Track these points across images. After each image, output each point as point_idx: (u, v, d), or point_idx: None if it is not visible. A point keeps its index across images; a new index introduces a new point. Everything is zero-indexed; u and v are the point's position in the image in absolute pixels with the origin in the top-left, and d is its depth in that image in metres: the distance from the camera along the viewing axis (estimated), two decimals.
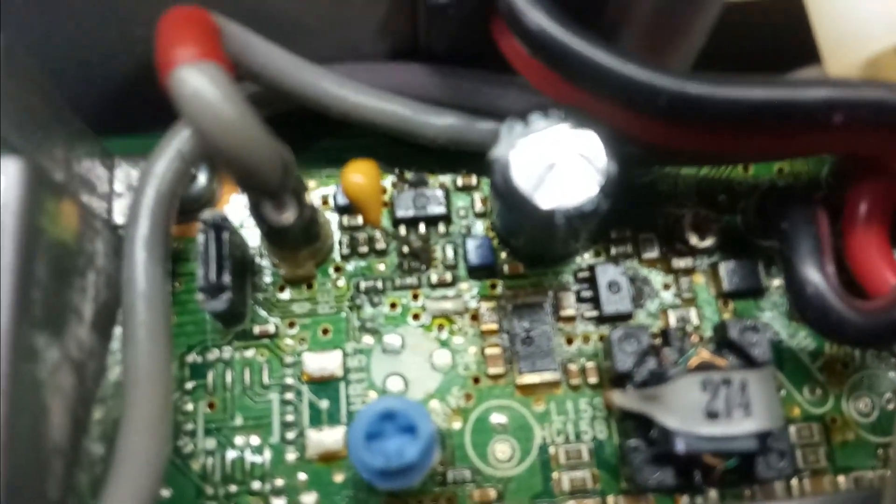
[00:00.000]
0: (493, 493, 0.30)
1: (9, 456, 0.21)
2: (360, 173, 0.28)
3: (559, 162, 0.26)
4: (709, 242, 0.33)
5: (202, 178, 0.33)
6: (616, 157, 0.27)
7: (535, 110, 0.27)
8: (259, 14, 0.30)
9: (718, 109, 0.25)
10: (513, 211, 0.27)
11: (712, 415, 0.27)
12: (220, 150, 0.22)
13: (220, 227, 0.29)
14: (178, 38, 0.23)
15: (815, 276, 0.28)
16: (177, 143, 0.29)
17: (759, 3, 0.31)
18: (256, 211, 0.26)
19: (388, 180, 0.34)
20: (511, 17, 0.27)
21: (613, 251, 0.33)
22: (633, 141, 0.28)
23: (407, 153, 0.34)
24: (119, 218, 0.32)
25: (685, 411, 0.27)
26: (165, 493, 0.30)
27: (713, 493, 0.30)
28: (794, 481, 0.30)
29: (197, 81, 0.22)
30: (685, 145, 0.28)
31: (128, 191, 0.33)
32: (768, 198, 0.31)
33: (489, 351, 0.32)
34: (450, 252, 0.33)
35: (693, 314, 0.32)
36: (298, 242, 0.30)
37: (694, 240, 0.33)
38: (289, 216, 0.26)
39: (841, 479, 0.30)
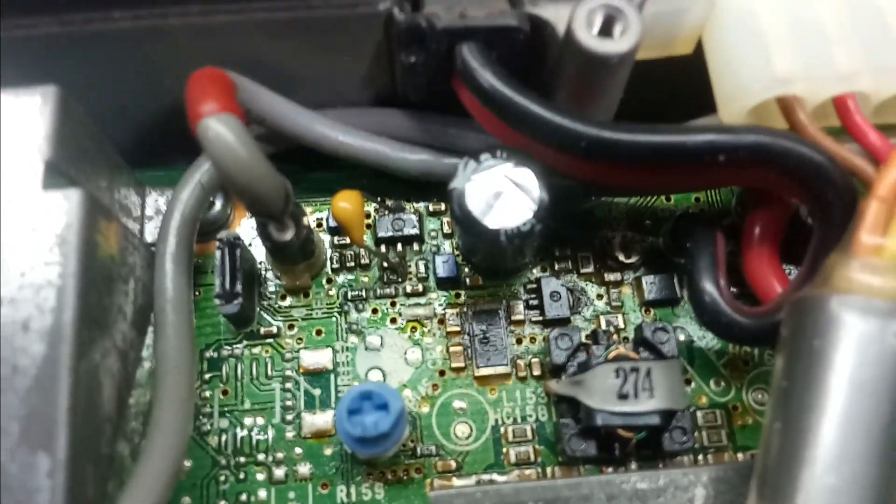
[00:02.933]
0: (453, 464, 0.36)
1: (73, 417, 0.27)
2: (346, 201, 0.35)
3: (503, 192, 0.33)
4: (634, 259, 0.39)
5: (218, 204, 0.39)
6: (548, 189, 0.33)
7: (487, 149, 0.34)
8: (265, 68, 0.36)
9: (625, 151, 0.32)
10: (468, 231, 0.33)
11: (623, 396, 0.33)
12: (235, 182, 0.29)
13: (234, 244, 0.36)
14: (204, 94, 0.30)
15: (710, 287, 0.35)
16: (198, 175, 0.36)
17: (672, 59, 0.37)
18: (262, 230, 0.33)
19: (372, 206, 0.41)
20: (466, 75, 0.34)
21: (556, 266, 0.40)
22: (563, 176, 0.34)
23: (387, 184, 0.41)
24: (150, 237, 0.39)
25: (603, 393, 0.33)
26: (187, 463, 0.36)
27: (633, 465, 0.36)
28: (700, 456, 0.36)
29: (219, 130, 0.29)
30: (604, 179, 0.34)
31: (156, 214, 0.39)
32: (679, 222, 0.38)
33: (453, 349, 0.38)
34: (422, 267, 0.40)
35: (620, 319, 0.39)
36: (296, 258, 0.36)
37: (622, 257, 0.39)
38: (288, 235, 0.32)
39: (739, 455, 0.36)
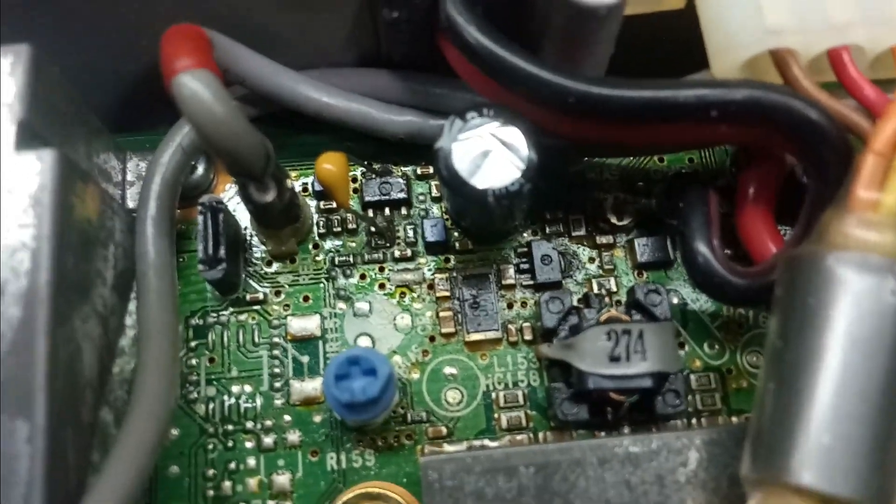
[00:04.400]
0: (444, 430, 0.36)
1: (51, 381, 0.27)
2: (330, 163, 0.34)
3: (491, 151, 0.32)
4: (626, 221, 0.39)
5: (200, 169, 0.38)
6: (537, 148, 0.32)
7: (474, 108, 0.33)
8: (244, 27, 0.35)
9: (615, 106, 0.31)
10: (455, 192, 0.33)
11: (615, 359, 0.33)
12: (213, 140, 0.28)
13: (216, 209, 0.35)
14: (178, 50, 0.29)
15: (703, 247, 0.34)
16: (178, 137, 0.35)
17: (663, 13, 0.36)
18: (244, 191, 0.32)
19: (359, 170, 0.40)
20: (452, 32, 0.33)
21: (548, 230, 0.39)
22: (552, 134, 0.33)
23: (374, 147, 0.40)
24: (131, 203, 0.38)
25: (594, 356, 0.33)
26: (174, 432, 0.35)
27: (626, 429, 0.35)
28: (694, 420, 0.36)
29: (194, 86, 0.28)
30: (594, 137, 0.34)
31: (138, 180, 0.39)
32: (672, 183, 0.37)
33: (443, 314, 0.38)
34: (410, 231, 0.39)
35: (613, 282, 0.38)
36: (281, 222, 0.36)
37: (614, 219, 0.39)
38: (270, 196, 0.31)
39: (734, 419, 0.36)
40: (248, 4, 0.34)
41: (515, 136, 0.32)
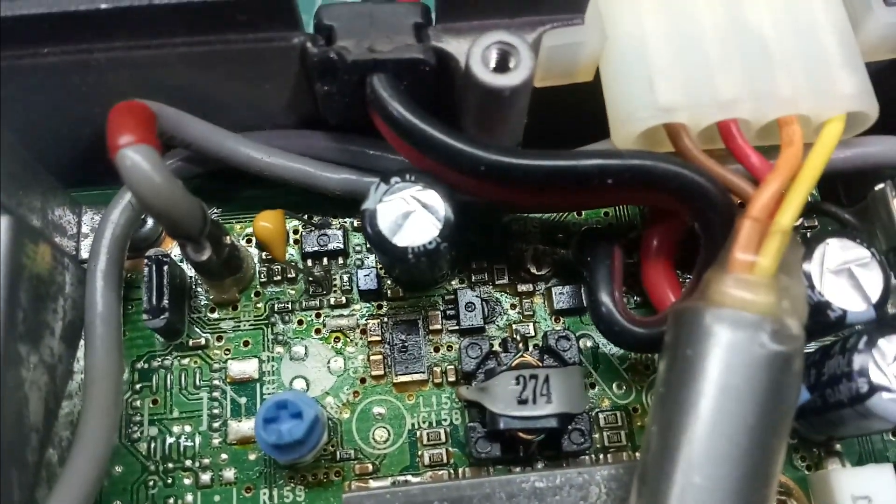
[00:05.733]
0: (370, 467, 0.39)
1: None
2: (267, 221, 0.37)
3: (412, 213, 0.35)
4: (545, 271, 0.42)
5: (150, 222, 0.41)
6: (454, 210, 0.35)
7: (397, 173, 0.36)
8: (191, 96, 0.38)
9: (521, 174, 0.34)
10: (379, 249, 0.36)
11: (523, 401, 0.36)
12: (152, 208, 0.31)
13: (161, 262, 0.38)
14: (121, 127, 0.31)
15: (606, 298, 0.38)
16: (127, 196, 0.38)
17: (575, 86, 0.40)
18: (183, 251, 0.35)
19: (300, 223, 0.43)
20: (377, 105, 0.36)
21: (473, 278, 0.42)
22: (468, 195, 0.37)
23: (315, 199, 0.43)
24: (85, 254, 0.41)
25: (504, 399, 0.36)
26: (118, 468, 0.38)
27: (540, 465, 0.39)
28: (602, 455, 0.39)
29: (134, 160, 0.31)
30: (508, 200, 0.37)
31: (92, 232, 0.41)
32: (582, 237, 0.41)
33: (373, 357, 0.41)
34: (346, 279, 0.42)
35: (531, 327, 0.41)
36: (222, 273, 0.39)
37: (534, 269, 0.42)
38: (205, 255, 0.34)
39: (637, 454, 0.39)
40: (195, 77, 0.37)
41: (434, 198, 0.36)
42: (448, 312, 0.42)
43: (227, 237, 0.37)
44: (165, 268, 0.38)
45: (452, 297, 0.42)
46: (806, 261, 0.37)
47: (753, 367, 0.30)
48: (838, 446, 0.41)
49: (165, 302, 0.38)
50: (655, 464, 0.31)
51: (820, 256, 0.37)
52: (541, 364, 0.37)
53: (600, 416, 0.40)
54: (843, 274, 0.37)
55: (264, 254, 0.42)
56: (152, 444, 0.39)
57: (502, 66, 0.34)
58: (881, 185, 0.41)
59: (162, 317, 0.37)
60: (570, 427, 0.37)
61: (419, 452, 0.39)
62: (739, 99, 0.36)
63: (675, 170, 0.34)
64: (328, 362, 0.41)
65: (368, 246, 0.43)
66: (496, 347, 0.40)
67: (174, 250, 0.41)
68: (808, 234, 0.44)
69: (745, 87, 0.36)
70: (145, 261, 0.38)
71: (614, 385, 0.41)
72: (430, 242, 0.35)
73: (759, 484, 0.30)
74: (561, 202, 0.38)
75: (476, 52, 0.33)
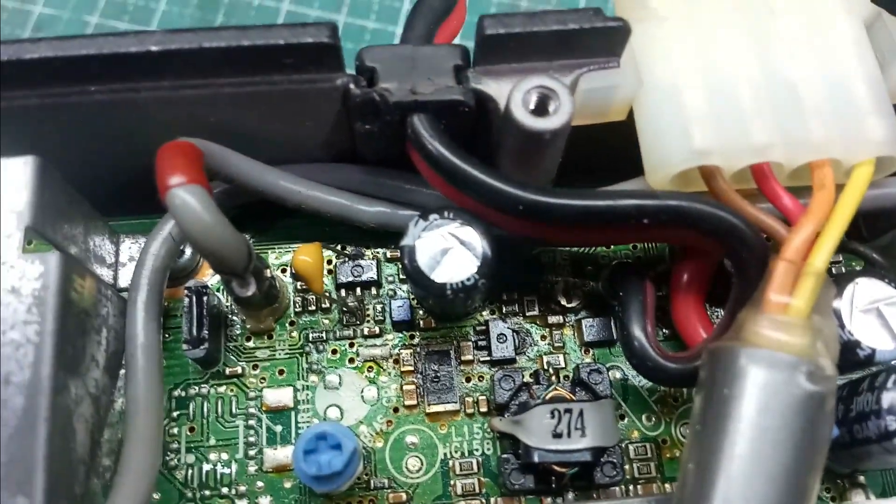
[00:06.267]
0: (404, 496, 0.39)
1: (49, 463, 0.30)
2: (306, 254, 0.38)
3: (450, 249, 0.36)
4: (575, 303, 0.43)
5: (188, 252, 0.42)
6: (491, 246, 0.36)
7: (436, 210, 0.37)
8: (232, 133, 0.39)
9: (559, 213, 0.35)
10: (417, 284, 0.36)
11: (557, 435, 0.36)
12: (201, 246, 0.32)
13: (201, 292, 0.39)
14: (172, 167, 0.32)
15: (638, 333, 0.38)
16: (167, 227, 0.39)
17: (609, 125, 0.40)
18: (227, 286, 0.36)
19: (333, 253, 0.44)
20: (418, 144, 0.37)
21: (504, 309, 0.43)
22: (506, 232, 0.37)
23: (349, 230, 0.43)
24: (123, 283, 0.42)
25: (539, 432, 0.37)
26: (155, 496, 0.39)
27: (570, 496, 0.39)
28: (632, 487, 0.40)
29: (185, 199, 0.31)
30: (543, 236, 0.38)
31: (130, 261, 0.42)
32: (614, 271, 0.41)
33: (406, 387, 0.41)
34: (379, 309, 0.43)
35: (562, 359, 0.42)
36: (260, 305, 0.39)
37: (564, 301, 0.43)
38: (250, 291, 0.35)
39: (667, 486, 0.40)
40: (239, 115, 0.37)
41: (472, 235, 0.36)
42: (479, 343, 0.42)
43: (268, 270, 0.38)
44: (205, 298, 0.39)
45: (484, 328, 0.42)
46: (836, 300, 0.38)
47: (790, 408, 0.31)
48: (862, 479, 0.41)
49: (205, 332, 0.38)
50: (691, 500, 0.32)
51: (850, 296, 0.38)
52: (573, 397, 0.38)
53: (630, 447, 0.40)
54: (872, 313, 0.37)
55: (299, 283, 0.43)
56: (189, 472, 0.39)
57: (541, 110, 0.35)
58: None
59: (202, 347, 0.38)
60: (602, 460, 0.38)
61: (451, 482, 0.40)
62: (772, 143, 0.37)
63: (710, 210, 0.35)
64: (362, 391, 0.41)
65: (402, 276, 0.43)
66: (527, 379, 0.40)
67: (211, 279, 0.42)
68: (834, 272, 0.44)
69: (777, 132, 0.37)
70: (185, 291, 0.39)
71: (643, 417, 0.41)
72: (468, 279, 0.36)
73: None
74: (596, 239, 0.39)
75: (517, 96, 0.34)
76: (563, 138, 0.36)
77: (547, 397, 0.38)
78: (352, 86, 0.36)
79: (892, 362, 0.37)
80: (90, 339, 0.35)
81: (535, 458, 0.37)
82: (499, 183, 0.35)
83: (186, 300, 0.39)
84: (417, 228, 0.37)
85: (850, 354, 0.37)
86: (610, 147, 0.41)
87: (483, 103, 0.37)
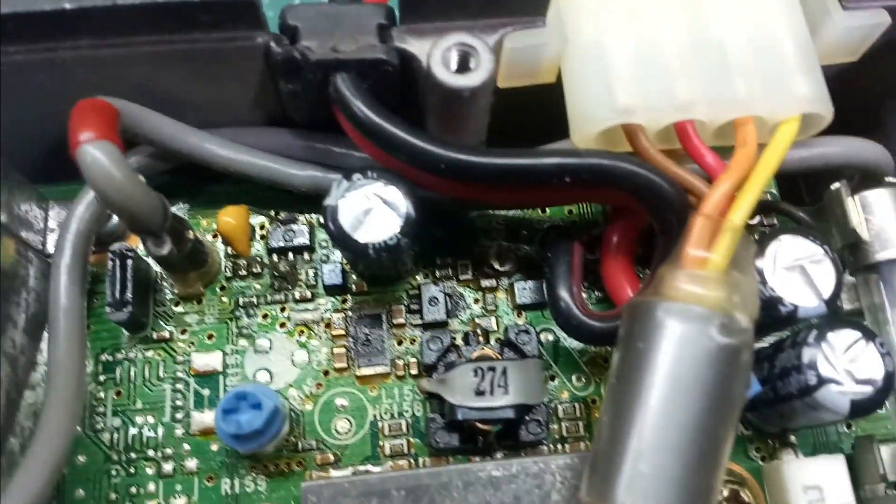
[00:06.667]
0: (332, 458, 0.39)
1: None
2: (230, 216, 0.38)
3: (373, 209, 0.36)
4: (508, 267, 0.43)
5: (115, 218, 0.42)
6: (415, 206, 0.36)
7: (359, 170, 0.37)
8: (156, 94, 0.38)
9: (480, 172, 0.35)
10: (340, 244, 0.36)
11: (480, 392, 0.37)
12: (111, 203, 0.32)
13: (125, 256, 0.39)
14: (83, 123, 0.32)
15: (564, 293, 0.38)
16: (93, 192, 0.38)
17: (538, 86, 0.40)
18: (144, 244, 0.35)
19: (266, 219, 0.44)
20: (340, 103, 0.37)
21: (437, 273, 0.43)
22: (430, 192, 0.37)
23: (283, 196, 0.43)
24: (52, 248, 0.41)
25: (463, 390, 0.37)
26: (81, 458, 0.38)
27: (499, 455, 0.39)
28: (559, 446, 0.40)
29: (93, 156, 0.31)
30: (470, 197, 0.38)
31: (59, 227, 0.42)
32: (545, 234, 0.41)
33: (337, 351, 0.41)
34: (311, 274, 0.43)
35: (494, 322, 0.42)
36: (186, 267, 0.39)
37: (497, 265, 0.43)
38: (165, 249, 0.35)
39: None
40: (160, 75, 0.37)
41: (396, 195, 0.36)
42: (412, 307, 0.42)
43: (191, 232, 0.37)
44: (129, 262, 0.38)
45: (416, 291, 0.42)
46: (759, 257, 0.38)
47: (702, 359, 0.31)
48: (793, 438, 0.42)
49: (129, 295, 0.38)
50: (605, 452, 0.32)
51: (773, 253, 0.38)
52: (500, 357, 0.38)
53: (559, 407, 0.41)
54: (796, 270, 0.38)
55: (230, 249, 0.43)
56: (115, 435, 0.39)
57: (463, 68, 0.35)
58: (836, 185, 0.42)
59: (125, 310, 0.38)
60: (527, 418, 0.38)
61: (380, 443, 0.40)
62: (696, 101, 0.37)
63: (631, 168, 0.35)
64: (292, 355, 0.41)
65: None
66: (458, 341, 0.40)
67: (140, 245, 0.42)
68: (767, 233, 0.45)
69: (701, 90, 0.37)
70: (109, 255, 0.39)
71: (574, 378, 0.41)
72: (390, 238, 0.36)
73: (706, 472, 0.31)
74: (522, 199, 0.39)
75: (437, 54, 0.34)
76: (487, 97, 0.36)
77: (473, 357, 0.38)
78: (272, 44, 0.36)
79: (815, 319, 0.38)
80: (7, 300, 0.35)
81: (459, 416, 0.37)
82: (419, 141, 0.35)
83: (110, 263, 0.38)
84: (341, 188, 0.37)
85: (772, 311, 0.37)
86: (542, 111, 0.41)
87: (407, 62, 0.37)
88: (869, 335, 0.36)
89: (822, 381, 0.35)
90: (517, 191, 0.37)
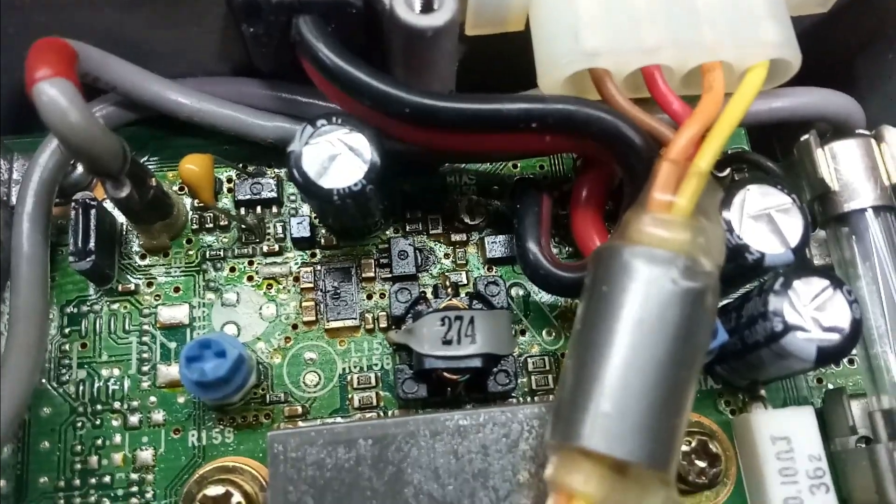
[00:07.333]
0: (300, 410, 0.39)
1: None
2: (193, 163, 0.37)
3: (338, 155, 0.36)
4: (478, 221, 0.42)
5: (80, 168, 0.41)
6: (381, 153, 0.36)
7: (324, 116, 0.36)
8: (119, 41, 0.38)
9: (444, 117, 0.34)
10: (304, 191, 0.36)
11: (447, 342, 0.36)
12: (68, 143, 0.31)
13: (88, 205, 0.38)
14: (39, 61, 0.32)
15: (532, 245, 0.38)
16: (56, 140, 0.38)
17: (508, 35, 0.40)
18: (103, 187, 0.35)
19: (234, 172, 0.43)
20: (302, 46, 0.36)
21: (407, 228, 0.43)
22: (397, 141, 0.37)
23: (251, 149, 0.43)
24: (15, 200, 0.41)
25: (430, 340, 0.36)
26: (46, 409, 0.38)
27: (468, 407, 0.39)
28: (529, 398, 0.40)
29: (50, 94, 0.31)
30: (436, 144, 0.37)
31: (24, 179, 0.41)
32: (515, 187, 0.41)
33: (305, 304, 0.41)
34: (280, 228, 0.42)
35: (464, 276, 0.42)
36: (150, 217, 0.39)
37: (467, 219, 0.42)
38: (124, 192, 0.34)
39: None
40: (121, 19, 0.37)
41: (361, 142, 0.36)
42: (381, 261, 0.42)
43: (153, 179, 0.37)
44: (92, 211, 0.38)
45: (386, 245, 0.42)
46: (726, 206, 0.38)
47: (665, 302, 0.31)
48: (762, 391, 0.42)
49: (92, 245, 0.37)
50: (570, 396, 0.32)
51: (740, 202, 0.38)
52: (468, 307, 0.38)
53: (529, 361, 0.40)
54: (763, 219, 0.37)
55: (196, 201, 0.42)
56: (80, 387, 0.39)
57: (427, 8, 0.34)
58: (806, 136, 0.42)
59: (88, 259, 0.37)
60: (495, 369, 0.38)
61: (349, 396, 0.39)
62: (663, 46, 0.36)
63: (596, 114, 0.35)
64: (260, 308, 0.41)
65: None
66: (428, 295, 0.40)
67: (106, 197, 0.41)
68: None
69: (669, 35, 0.37)
70: (72, 204, 0.38)
71: (544, 332, 0.41)
72: (355, 184, 0.35)
73: (669, 414, 0.31)
74: (489, 147, 0.39)
75: None
76: (451, 40, 0.36)
77: (441, 307, 0.38)
78: None
79: (783, 268, 0.37)
80: None
81: (426, 365, 0.36)
82: (384, 85, 0.35)
83: (73, 213, 0.38)
84: (305, 135, 0.36)
85: (739, 259, 0.37)
86: (512, 61, 0.41)
87: (371, 4, 0.36)
88: (837, 283, 0.36)
89: (788, 328, 0.35)
90: (483, 138, 0.36)
